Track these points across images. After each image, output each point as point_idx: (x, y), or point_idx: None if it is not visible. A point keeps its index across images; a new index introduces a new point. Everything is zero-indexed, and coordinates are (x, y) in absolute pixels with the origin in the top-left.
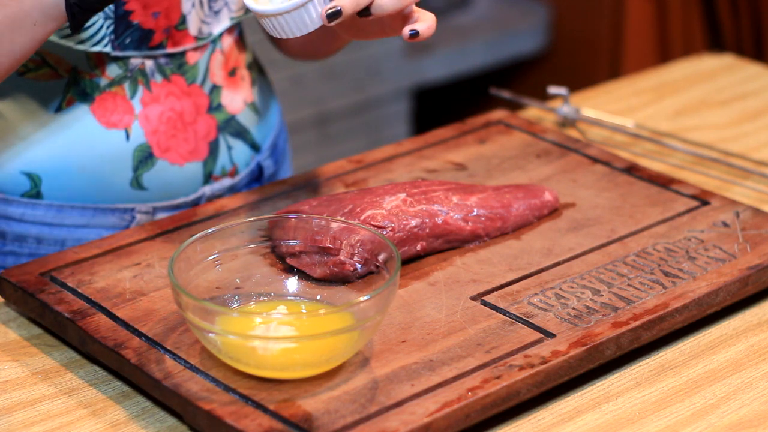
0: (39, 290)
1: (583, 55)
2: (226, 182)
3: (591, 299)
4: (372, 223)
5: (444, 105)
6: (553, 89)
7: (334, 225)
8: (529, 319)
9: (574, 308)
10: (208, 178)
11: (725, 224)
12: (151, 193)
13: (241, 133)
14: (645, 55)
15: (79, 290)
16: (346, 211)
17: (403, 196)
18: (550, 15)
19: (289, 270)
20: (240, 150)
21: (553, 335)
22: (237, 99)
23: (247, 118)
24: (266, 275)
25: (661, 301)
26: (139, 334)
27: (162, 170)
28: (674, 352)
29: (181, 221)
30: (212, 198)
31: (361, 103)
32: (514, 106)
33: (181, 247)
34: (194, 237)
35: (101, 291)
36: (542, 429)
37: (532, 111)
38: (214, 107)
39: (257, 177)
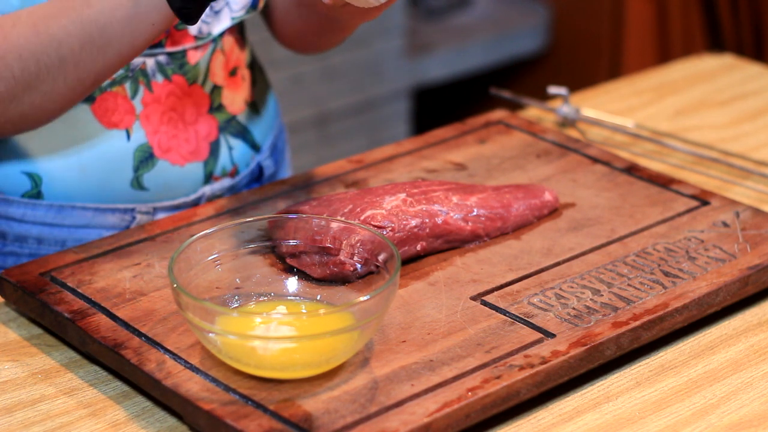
0: (39, 290)
1: (583, 55)
2: (227, 182)
3: (591, 299)
4: (372, 223)
5: (444, 105)
6: (553, 89)
7: (334, 225)
8: (529, 319)
9: (574, 308)
10: (209, 178)
11: (725, 224)
12: (152, 194)
13: (241, 134)
14: (645, 55)
15: (79, 290)
16: (346, 211)
17: (403, 196)
18: (550, 15)
19: (289, 270)
20: (240, 150)
21: (553, 335)
22: (238, 99)
23: (247, 118)
24: (266, 275)
25: (661, 301)
26: (139, 334)
27: (163, 171)
28: (674, 352)
29: (181, 221)
30: (212, 198)
31: (361, 103)
32: (514, 106)
33: (181, 247)
34: (194, 237)
35: (101, 291)
36: (542, 429)
37: (532, 111)
38: (215, 107)
39: (257, 177)
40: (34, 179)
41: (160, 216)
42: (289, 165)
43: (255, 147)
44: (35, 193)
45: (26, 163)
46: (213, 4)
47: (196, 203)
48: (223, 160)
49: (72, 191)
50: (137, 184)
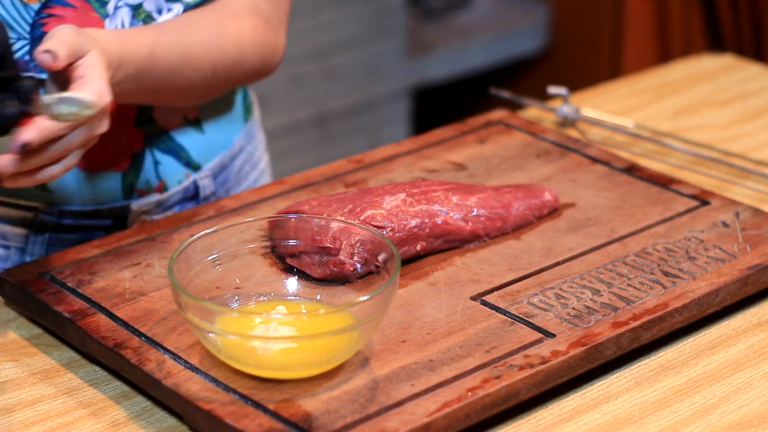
0: (39, 290)
1: (583, 55)
2: (154, 198)
3: (591, 299)
4: (372, 223)
5: (444, 105)
6: (553, 89)
7: (334, 225)
8: (529, 319)
9: (574, 308)
10: (130, 190)
11: (725, 224)
12: (57, 196)
13: (173, 150)
14: (645, 55)
15: (79, 290)
16: (346, 211)
17: (403, 196)
18: (550, 15)
19: (289, 270)
20: (169, 166)
21: (553, 335)
22: (174, 115)
23: (184, 136)
24: (266, 275)
25: (661, 301)
26: (139, 334)
27: (69, 173)
28: (674, 352)
29: (181, 221)
30: (139, 213)
31: (361, 103)
32: (514, 106)
33: (181, 247)
34: (194, 237)
35: (101, 291)
36: (542, 429)
37: (532, 111)
38: (143, 120)
39: (192, 195)
40: None
41: (67, 220)
42: (249, 187)
43: (189, 164)
44: None
45: None
46: (170, 5)
47: (118, 215)
48: (147, 173)
49: None
50: (41, 184)
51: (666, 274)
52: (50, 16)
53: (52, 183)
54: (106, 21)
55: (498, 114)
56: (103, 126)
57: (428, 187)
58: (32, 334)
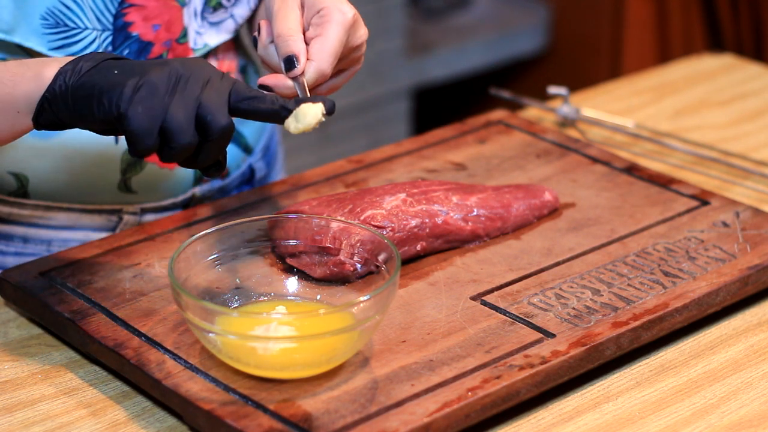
0: (39, 290)
1: (583, 55)
2: (216, 183)
3: (591, 299)
4: (372, 223)
5: (444, 105)
6: (553, 89)
7: (334, 225)
8: (529, 319)
9: (574, 308)
10: (198, 180)
11: (725, 224)
12: (140, 196)
13: (233, 136)
14: (645, 55)
15: (79, 290)
16: (346, 211)
17: (403, 196)
18: (550, 15)
19: (289, 270)
20: (231, 152)
21: (553, 335)
22: None
23: (239, 121)
24: (266, 275)
25: (661, 301)
26: (139, 334)
27: (151, 173)
28: (674, 352)
29: (181, 221)
30: (203, 199)
31: (361, 103)
32: (514, 106)
33: (181, 247)
34: (194, 237)
35: (101, 291)
36: (542, 429)
37: (532, 111)
38: None
39: (248, 179)
40: (20, 179)
41: (148, 216)
42: (282, 167)
43: (246, 149)
44: (21, 192)
45: (13, 164)
46: (208, 16)
47: (185, 203)
48: None
49: (58, 192)
50: (125, 186)
51: (666, 274)
52: (131, 6)
53: (135, 183)
54: (184, 9)
55: (498, 114)
56: (362, 34)
57: (428, 187)
58: (32, 334)
